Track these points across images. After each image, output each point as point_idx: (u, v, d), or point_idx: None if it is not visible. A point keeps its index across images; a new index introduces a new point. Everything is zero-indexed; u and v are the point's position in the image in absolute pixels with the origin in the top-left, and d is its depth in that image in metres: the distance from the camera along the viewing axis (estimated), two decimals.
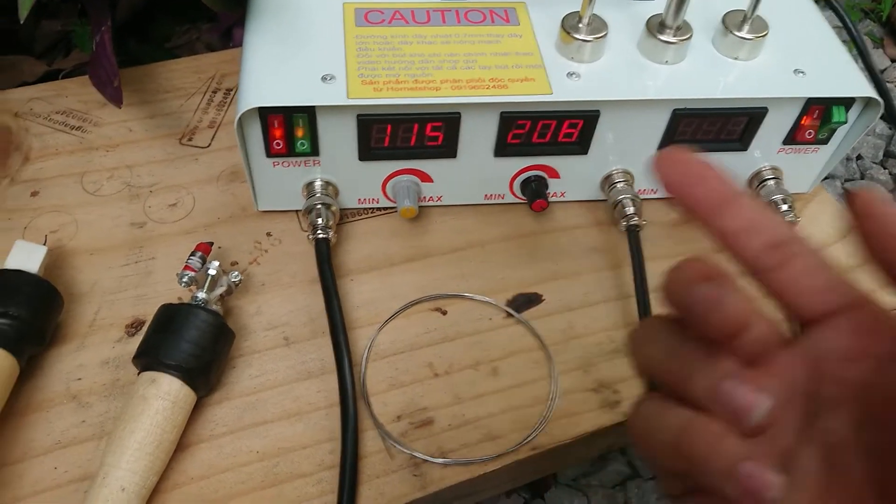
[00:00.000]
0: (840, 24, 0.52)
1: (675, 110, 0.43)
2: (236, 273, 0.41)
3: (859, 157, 0.89)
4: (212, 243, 0.42)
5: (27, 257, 0.41)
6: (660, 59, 0.43)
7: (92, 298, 0.42)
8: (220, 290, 0.40)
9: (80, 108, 0.51)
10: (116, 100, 0.42)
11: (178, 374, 0.36)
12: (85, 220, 0.46)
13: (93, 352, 0.40)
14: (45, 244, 0.42)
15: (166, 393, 0.36)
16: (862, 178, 0.88)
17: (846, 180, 0.88)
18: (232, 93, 0.53)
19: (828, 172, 0.50)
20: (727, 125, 0.45)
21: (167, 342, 0.37)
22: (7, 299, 0.38)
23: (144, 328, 0.41)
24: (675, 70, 0.43)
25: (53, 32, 0.65)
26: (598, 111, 0.43)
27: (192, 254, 0.41)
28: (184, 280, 0.40)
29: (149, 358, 0.37)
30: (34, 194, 0.46)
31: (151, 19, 0.62)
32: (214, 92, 0.53)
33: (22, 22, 0.39)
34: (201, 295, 0.39)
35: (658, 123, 0.44)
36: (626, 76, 0.42)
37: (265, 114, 0.40)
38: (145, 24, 0.63)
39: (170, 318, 0.38)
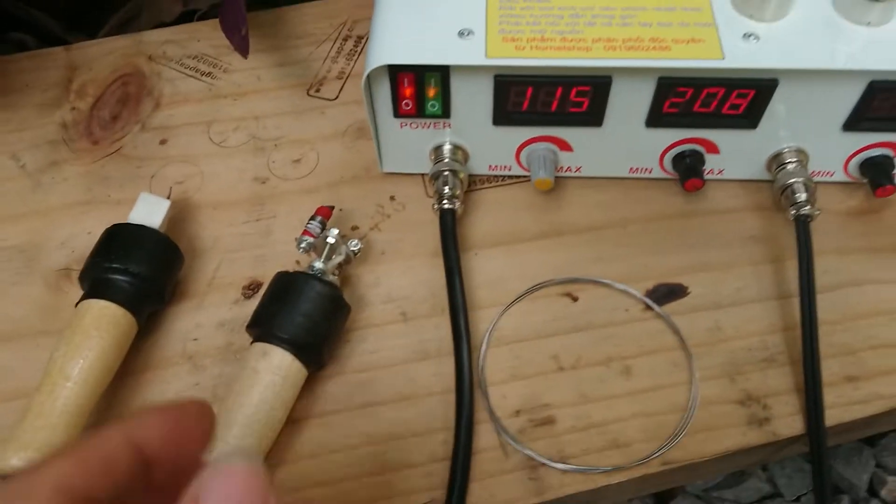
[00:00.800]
0: None
1: (872, 82, 0.36)
2: (356, 241, 0.38)
3: None
4: (332, 207, 0.39)
5: (151, 211, 0.40)
6: (860, 19, 0.36)
7: (213, 255, 0.41)
8: (338, 259, 0.38)
9: (212, 52, 0.50)
10: (243, 49, 0.40)
11: (291, 349, 0.35)
12: (210, 172, 0.44)
13: (210, 312, 0.40)
14: (169, 197, 0.41)
15: (277, 367, 0.34)
16: None
17: None
18: (363, 41, 0.50)
19: None
20: None
21: (281, 314, 0.35)
22: (128, 256, 0.37)
23: (261, 290, 0.40)
24: (878, 33, 0.36)
25: None
26: (775, 80, 0.36)
27: (312, 218, 0.39)
28: (302, 245, 0.38)
29: (262, 329, 0.35)
30: (163, 142, 0.46)
31: None
32: (345, 39, 0.50)
33: None
34: (318, 265, 0.37)
35: (849, 97, 0.37)
36: (816, 40, 0.36)
37: (395, 72, 0.37)
38: None
39: (285, 287, 0.36)
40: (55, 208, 0.43)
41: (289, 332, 0.35)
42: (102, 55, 0.50)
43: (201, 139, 0.46)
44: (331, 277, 0.37)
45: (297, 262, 0.41)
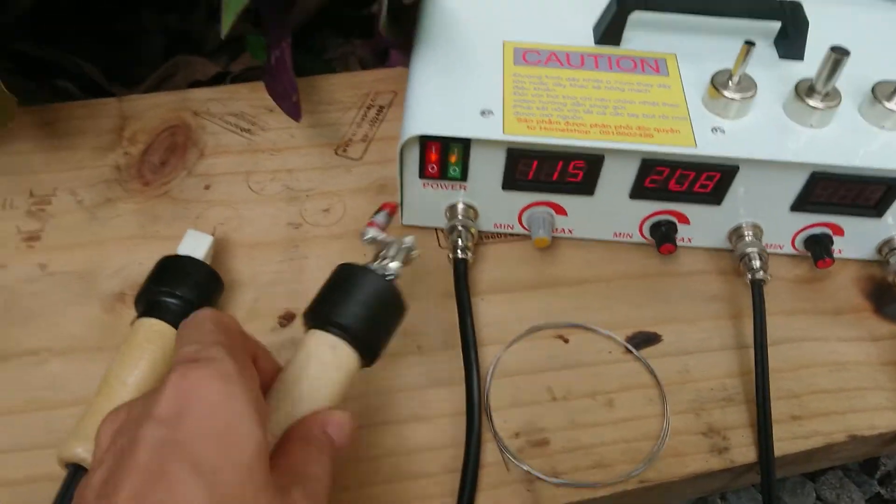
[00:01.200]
0: None
1: (813, 172, 0.44)
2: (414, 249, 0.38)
3: None
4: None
5: (196, 245, 0.46)
6: (805, 122, 0.44)
7: (251, 288, 0.47)
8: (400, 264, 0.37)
9: (250, 111, 0.56)
10: (295, 114, 0.47)
11: (355, 344, 0.35)
12: (248, 216, 0.51)
13: None
14: (213, 234, 0.47)
15: (340, 365, 0.35)
16: None
17: None
18: (384, 110, 0.57)
19: None
20: (864, 192, 0.45)
21: (358, 312, 0.35)
22: (176, 282, 0.43)
23: (296, 321, 0.46)
24: (819, 134, 0.44)
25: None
26: (737, 166, 0.44)
27: (378, 211, 0.38)
28: (366, 237, 0.37)
29: (331, 319, 0.35)
30: (206, 188, 0.52)
31: (315, 32, 0.67)
32: (369, 108, 0.57)
33: (223, 37, 0.44)
34: (394, 265, 0.37)
35: (795, 184, 0.45)
36: (770, 136, 0.44)
37: (424, 140, 0.44)
38: (307, 36, 0.68)
39: (355, 282, 0.36)
40: (110, 240, 0.49)
41: (358, 331, 0.34)
42: (152, 108, 0.56)
43: (241, 187, 0.52)
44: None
45: None
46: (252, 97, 0.57)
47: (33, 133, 0.54)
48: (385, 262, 0.37)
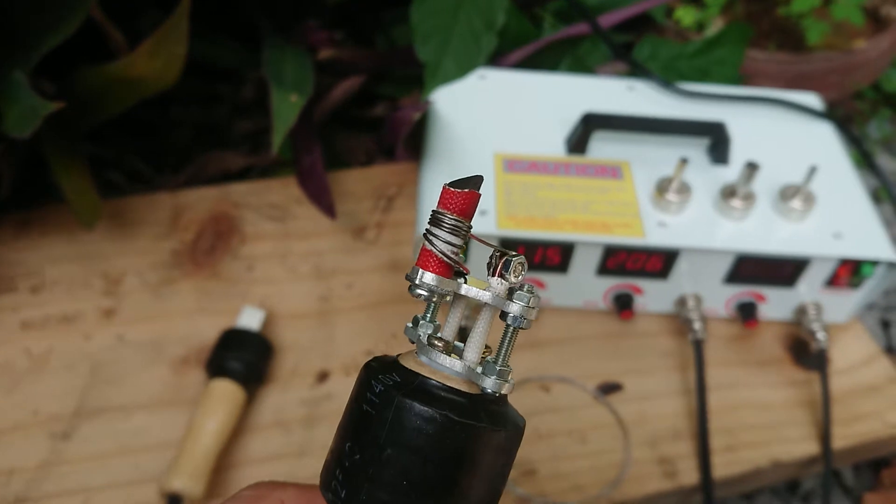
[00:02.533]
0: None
1: (738, 256, 0.57)
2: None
3: None
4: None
5: (252, 318, 0.57)
6: (729, 217, 0.57)
7: (292, 352, 0.58)
8: None
9: (282, 202, 0.68)
10: (330, 213, 0.59)
11: None
12: (286, 292, 0.62)
13: (293, 393, 0.56)
14: (262, 309, 0.58)
15: None
16: None
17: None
18: (393, 200, 0.69)
19: (860, 309, 0.62)
20: (779, 269, 0.58)
21: None
22: (240, 349, 0.54)
23: (329, 379, 0.56)
24: (741, 226, 0.57)
25: (245, 131, 0.83)
26: (678, 251, 0.57)
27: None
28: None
29: None
30: (249, 268, 0.63)
31: (325, 127, 0.79)
32: (380, 198, 0.69)
33: (275, 152, 0.56)
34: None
35: (725, 264, 0.58)
36: (703, 229, 0.57)
37: None
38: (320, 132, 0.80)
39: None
40: (173, 314, 0.59)
41: None
42: (199, 201, 0.67)
43: (278, 267, 0.63)
44: None
45: (370, 352, 0.57)
46: (283, 191, 0.69)
47: (103, 224, 0.64)
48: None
